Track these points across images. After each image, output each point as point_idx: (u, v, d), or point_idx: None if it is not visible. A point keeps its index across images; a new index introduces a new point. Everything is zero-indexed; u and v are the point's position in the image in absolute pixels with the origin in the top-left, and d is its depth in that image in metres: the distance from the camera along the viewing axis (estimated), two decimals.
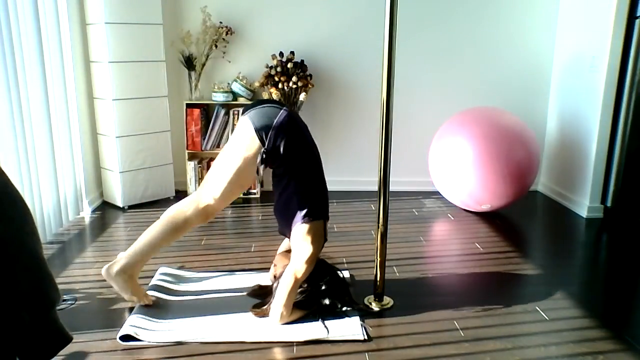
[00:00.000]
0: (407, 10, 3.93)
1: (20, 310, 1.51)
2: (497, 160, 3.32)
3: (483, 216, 3.67)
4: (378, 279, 2.37)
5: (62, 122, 3.32)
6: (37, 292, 1.55)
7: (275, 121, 2.20)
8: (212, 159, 4.04)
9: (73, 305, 2.36)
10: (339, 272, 2.36)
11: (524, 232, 3.47)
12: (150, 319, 2.21)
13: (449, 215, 3.71)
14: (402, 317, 2.29)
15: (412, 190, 4.24)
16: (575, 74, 3.84)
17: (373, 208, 3.83)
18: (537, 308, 2.38)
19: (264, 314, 2.23)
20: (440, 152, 3.57)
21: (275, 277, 2.33)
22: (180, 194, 4.05)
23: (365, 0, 3.95)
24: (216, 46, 3.89)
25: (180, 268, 2.75)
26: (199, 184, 4.01)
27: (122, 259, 2.27)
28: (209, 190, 2.28)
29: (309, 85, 3.86)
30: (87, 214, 3.62)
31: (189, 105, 3.93)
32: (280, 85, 3.76)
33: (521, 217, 3.68)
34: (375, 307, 2.36)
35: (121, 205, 3.74)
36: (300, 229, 2.21)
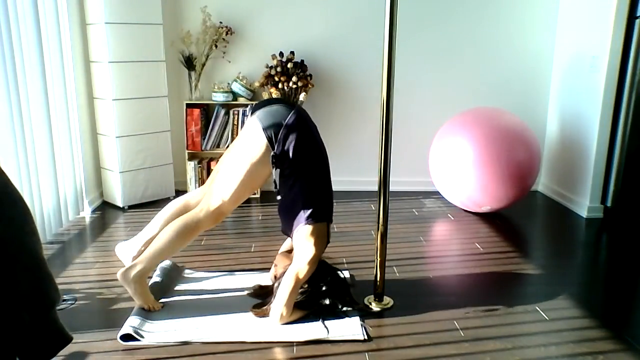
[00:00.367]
0: (407, 10, 3.93)
1: (21, 310, 1.51)
2: (498, 162, 3.32)
3: (483, 216, 3.67)
4: (378, 279, 2.37)
5: (62, 122, 3.32)
6: (37, 292, 1.55)
7: (284, 123, 2.18)
8: (212, 159, 4.04)
9: (73, 305, 2.36)
10: (339, 272, 2.36)
11: (524, 232, 3.47)
12: (151, 319, 2.21)
13: (449, 215, 3.71)
14: (402, 317, 2.29)
15: (412, 190, 4.25)
16: (575, 74, 3.84)
17: (373, 208, 3.83)
18: (537, 308, 2.38)
19: (265, 314, 2.23)
20: (441, 152, 3.57)
21: (275, 277, 2.33)
22: (180, 194, 4.04)
23: (366, 0, 3.95)
24: (216, 46, 3.89)
25: (180, 268, 2.75)
26: (199, 184, 4.01)
27: (138, 263, 2.25)
28: (219, 193, 2.26)
29: (309, 85, 3.86)
30: (87, 214, 3.62)
31: (189, 105, 3.93)
32: (280, 85, 3.76)
33: (521, 217, 3.68)
34: (375, 307, 2.36)
35: (121, 205, 3.74)
36: (303, 230, 2.21)
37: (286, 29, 4.00)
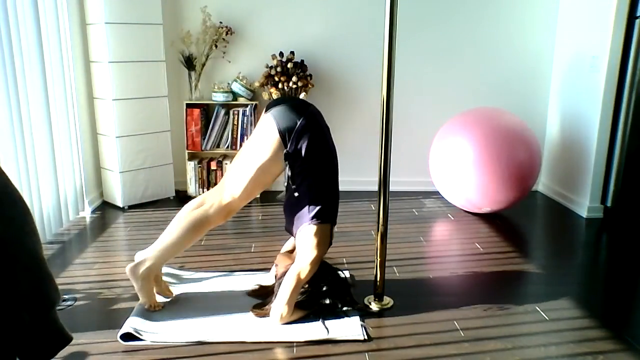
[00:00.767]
0: (407, 10, 3.93)
1: (21, 311, 1.51)
2: (498, 162, 3.32)
3: (483, 216, 3.67)
4: (378, 279, 2.37)
5: (62, 122, 3.32)
6: (37, 292, 1.55)
7: (299, 122, 2.17)
8: (212, 159, 4.04)
9: (73, 305, 2.36)
10: (339, 272, 2.36)
11: (524, 232, 3.47)
12: (151, 319, 2.21)
13: (449, 215, 3.71)
14: (402, 317, 2.29)
15: (412, 190, 4.25)
16: (575, 74, 3.84)
17: (373, 208, 3.83)
18: (537, 308, 2.38)
19: (265, 314, 2.23)
20: (441, 153, 3.57)
21: (276, 276, 2.33)
22: (180, 194, 4.06)
23: (366, 0, 3.95)
24: (216, 46, 3.89)
25: (180, 268, 2.75)
26: (199, 184, 4.02)
27: (147, 260, 2.25)
28: (229, 188, 2.26)
29: (309, 85, 3.86)
30: (87, 214, 3.62)
31: (189, 105, 3.93)
32: (280, 85, 3.76)
33: (521, 217, 3.68)
34: (375, 307, 2.36)
35: (121, 205, 3.74)
36: (307, 230, 2.20)
37: (286, 29, 4.00)
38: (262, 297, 2.37)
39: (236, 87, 3.89)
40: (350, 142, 4.20)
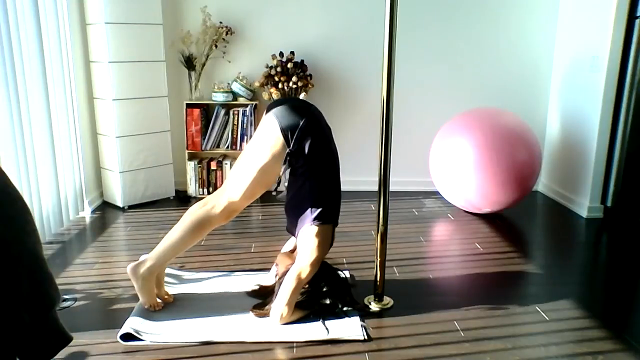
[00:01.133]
0: (407, 10, 3.92)
1: (21, 311, 1.51)
2: (499, 163, 3.32)
3: (483, 216, 3.67)
4: (378, 279, 2.37)
5: (62, 122, 3.32)
6: (38, 292, 1.55)
7: (301, 122, 2.16)
8: (212, 159, 4.04)
9: (73, 305, 2.36)
10: (339, 272, 2.36)
11: (524, 232, 3.47)
12: (151, 319, 2.21)
13: (449, 215, 3.71)
14: (402, 317, 2.29)
15: (412, 190, 4.25)
16: (575, 74, 3.84)
17: (373, 208, 3.83)
18: (537, 308, 2.38)
19: (265, 314, 2.23)
20: (442, 153, 3.56)
21: (276, 276, 2.33)
22: (180, 194, 4.06)
23: (366, 0, 3.95)
24: (216, 46, 3.89)
25: (180, 268, 2.75)
26: (199, 184, 4.02)
27: (148, 259, 2.26)
28: (231, 189, 2.26)
29: (309, 85, 3.86)
30: (87, 214, 3.62)
31: (189, 105, 3.93)
32: (280, 85, 3.75)
33: (521, 217, 3.68)
34: (375, 307, 2.36)
35: (121, 205, 3.74)
36: (309, 231, 2.20)
37: (286, 29, 4.00)
38: (262, 297, 2.37)
39: (236, 87, 3.89)
40: (350, 142, 4.20)
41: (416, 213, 3.74)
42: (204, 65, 3.93)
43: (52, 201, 3.18)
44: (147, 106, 3.75)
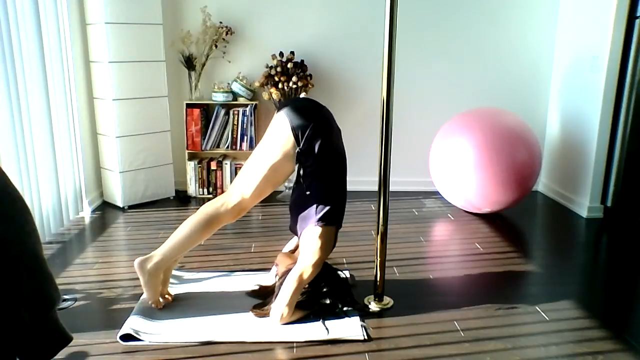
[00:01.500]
0: (407, 11, 3.93)
1: (21, 310, 1.51)
2: (499, 163, 3.32)
3: (483, 216, 3.67)
4: (378, 279, 2.37)
5: (62, 122, 3.32)
6: (38, 292, 1.55)
7: (312, 122, 2.17)
8: (212, 159, 4.04)
9: (73, 305, 2.36)
10: (339, 272, 2.36)
11: (524, 232, 3.47)
12: (151, 319, 2.21)
13: (449, 215, 3.71)
14: (402, 317, 2.29)
15: (412, 190, 4.25)
16: (575, 74, 3.84)
17: (373, 208, 3.83)
18: (537, 308, 2.38)
19: (265, 314, 2.23)
20: (442, 153, 3.56)
21: (277, 276, 2.33)
22: (180, 194, 4.06)
23: (366, 0, 3.95)
24: (216, 46, 3.89)
25: (180, 268, 2.75)
26: (199, 184, 4.02)
27: (155, 255, 2.25)
28: (241, 187, 2.26)
29: (309, 85, 3.86)
30: (87, 214, 3.62)
31: (189, 105, 3.93)
32: (280, 85, 3.75)
33: (521, 217, 3.68)
34: (375, 307, 2.36)
35: (121, 205, 3.74)
36: (312, 231, 2.20)
37: (286, 29, 4.00)
38: (262, 297, 2.37)
39: (236, 87, 3.89)
40: (350, 142, 4.18)
41: (416, 213, 3.74)
42: (204, 65, 3.93)
43: (52, 201, 3.18)
44: (147, 106, 3.75)
